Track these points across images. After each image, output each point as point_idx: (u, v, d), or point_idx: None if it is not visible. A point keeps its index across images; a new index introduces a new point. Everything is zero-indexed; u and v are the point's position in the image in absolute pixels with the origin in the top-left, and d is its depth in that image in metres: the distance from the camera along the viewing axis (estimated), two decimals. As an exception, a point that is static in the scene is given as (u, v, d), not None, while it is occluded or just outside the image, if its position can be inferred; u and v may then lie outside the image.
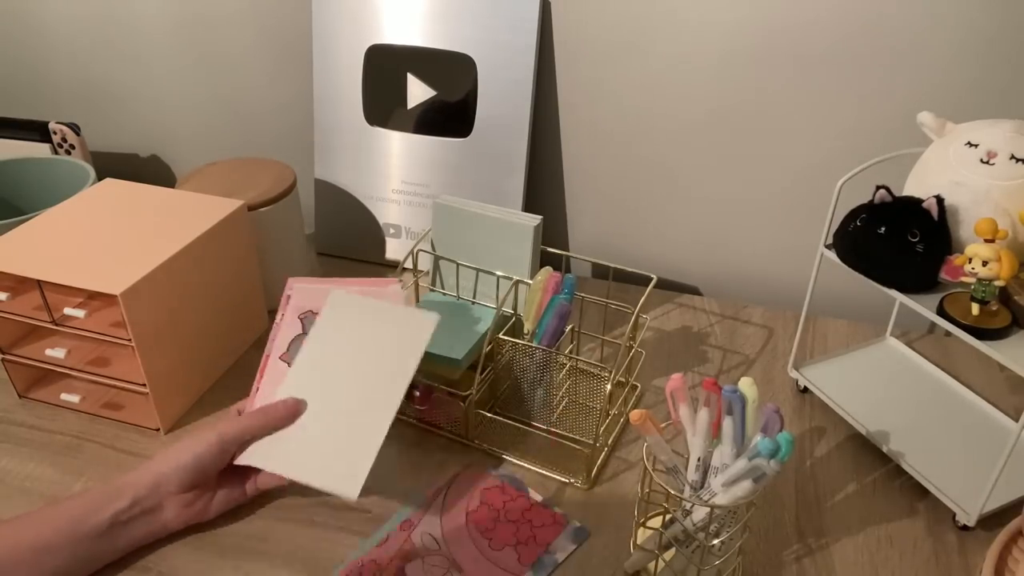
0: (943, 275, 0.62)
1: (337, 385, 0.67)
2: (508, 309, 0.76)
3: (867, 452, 0.74)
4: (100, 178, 0.90)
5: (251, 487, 0.67)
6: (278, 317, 0.72)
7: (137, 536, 0.63)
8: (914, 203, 0.63)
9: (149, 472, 0.63)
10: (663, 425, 0.59)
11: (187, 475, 0.63)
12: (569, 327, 0.75)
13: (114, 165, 1.20)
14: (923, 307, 0.63)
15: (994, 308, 0.60)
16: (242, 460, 0.65)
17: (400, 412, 0.78)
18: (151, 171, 1.23)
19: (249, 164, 0.96)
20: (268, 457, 0.65)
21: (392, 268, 1.04)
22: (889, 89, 0.84)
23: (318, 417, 0.66)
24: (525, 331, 0.74)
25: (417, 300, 0.83)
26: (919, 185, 0.67)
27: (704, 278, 1.03)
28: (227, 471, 0.66)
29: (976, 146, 0.63)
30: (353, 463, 0.62)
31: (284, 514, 0.68)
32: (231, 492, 0.67)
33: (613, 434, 0.76)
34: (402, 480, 0.71)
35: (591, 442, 0.69)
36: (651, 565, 0.62)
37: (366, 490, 0.68)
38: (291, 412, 0.66)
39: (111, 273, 0.70)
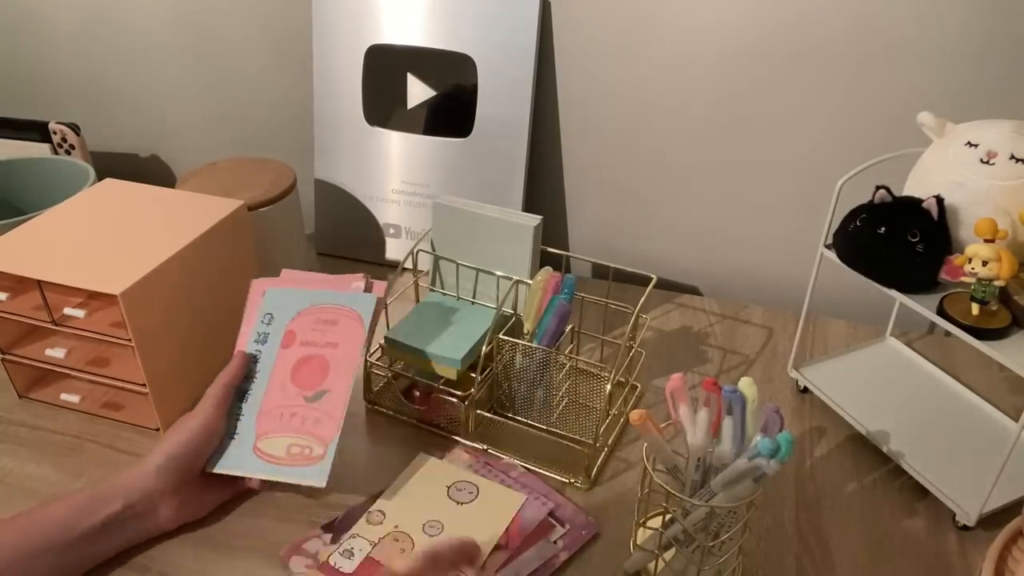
0: (943, 275, 0.62)
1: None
2: (508, 309, 0.76)
3: (867, 452, 0.74)
4: (100, 178, 0.90)
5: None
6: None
7: (130, 538, 0.63)
8: (914, 203, 0.63)
9: (142, 475, 0.63)
10: (663, 425, 0.59)
11: (182, 462, 0.64)
12: (569, 327, 0.75)
13: (114, 165, 1.20)
14: (923, 307, 0.63)
15: (994, 308, 0.60)
16: (217, 469, 0.66)
17: (400, 412, 0.78)
18: (151, 171, 1.23)
19: (249, 164, 0.96)
20: (240, 463, 0.66)
21: (392, 268, 1.04)
22: (889, 89, 0.84)
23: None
24: (525, 331, 0.74)
25: (417, 300, 0.83)
26: (919, 185, 0.67)
27: (704, 278, 1.03)
28: None
29: (976, 146, 0.63)
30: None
31: (285, 514, 0.68)
32: (223, 486, 0.67)
33: (613, 434, 0.76)
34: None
35: (591, 442, 0.69)
36: (651, 565, 0.62)
37: (368, 491, 0.69)
38: (243, 364, 0.71)
39: (111, 273, 0.70)
